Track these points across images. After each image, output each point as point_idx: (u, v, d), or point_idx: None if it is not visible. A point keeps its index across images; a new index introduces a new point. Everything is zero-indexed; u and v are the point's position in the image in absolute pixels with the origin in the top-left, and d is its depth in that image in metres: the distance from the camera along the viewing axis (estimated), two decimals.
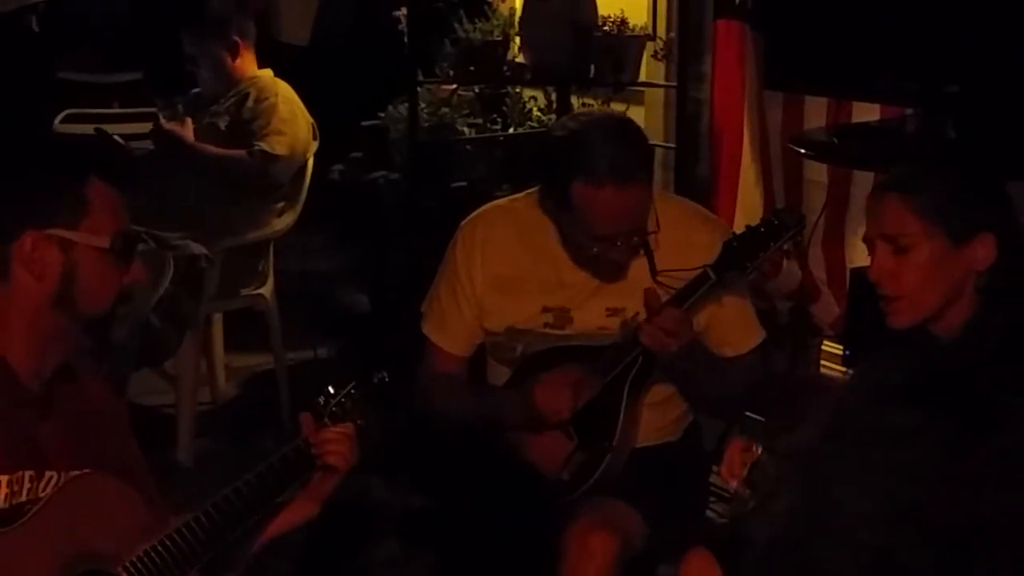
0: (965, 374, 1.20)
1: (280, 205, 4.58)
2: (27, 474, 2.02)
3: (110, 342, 2.20)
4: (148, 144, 4.66)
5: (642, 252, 2.72)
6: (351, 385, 2.29)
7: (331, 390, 2.28)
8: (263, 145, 4.36)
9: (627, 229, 2.64)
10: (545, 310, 2.80)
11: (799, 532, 1.15)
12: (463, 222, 2.91)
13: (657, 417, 2.85)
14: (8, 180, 2.05)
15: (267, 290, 4.61)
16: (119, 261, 2.07)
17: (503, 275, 2.83)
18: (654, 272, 2.71)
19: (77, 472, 2.05)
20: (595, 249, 2.67)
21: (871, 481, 1.11)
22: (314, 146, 4.56)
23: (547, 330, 2.80)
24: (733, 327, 2.81)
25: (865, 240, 2.33)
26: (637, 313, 2.73)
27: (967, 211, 2.23)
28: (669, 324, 2.60)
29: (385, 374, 2.34)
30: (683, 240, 2.76)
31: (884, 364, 1.27)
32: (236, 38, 4.50)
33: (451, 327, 2.87)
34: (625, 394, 2.72)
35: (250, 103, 4.46)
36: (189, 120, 4.44)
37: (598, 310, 2.78)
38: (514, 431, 2.75)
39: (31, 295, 2.02)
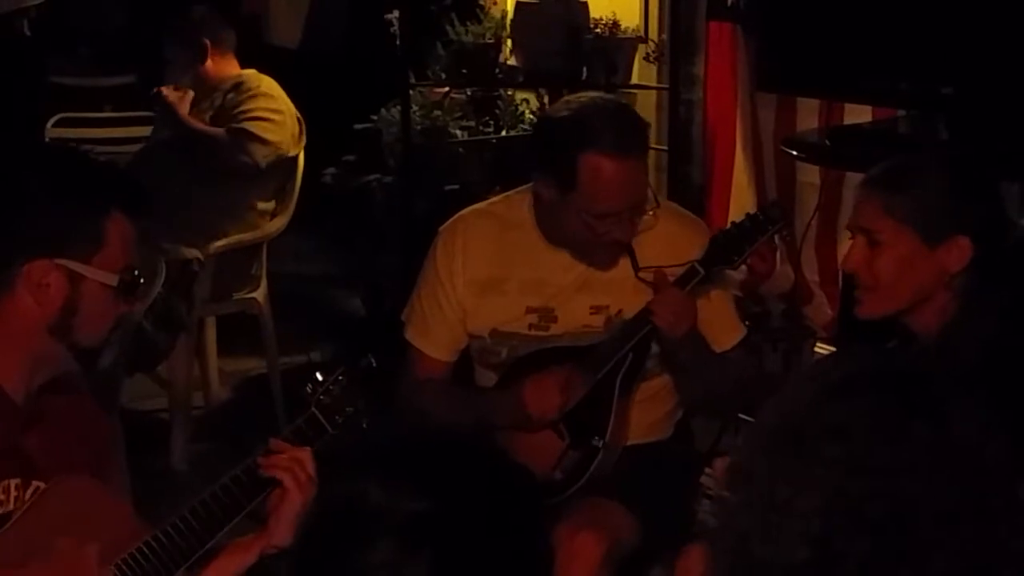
0: (907, 368, 1.22)
1: (272, 207, 4.58)
2: (13, 482, 2.02)
3: (97, 366, 2.17)
4: (139, 148, 4.68)
5: (625, 251, 2.74)
6: (339, 371, 2.28)
7: (320, 377, 2.27)
8: (242, 126, 4.35)
9: (630, 203, 2.65)
10: (529, 311, 2.80)
11: (737, 526, 1.16)
12: (441, 227, 2.92)
13: (647, 413, 2.85)
14: (32, 203, 2.02)
15: (260, 294, 4.60)
16: (121, 297, 2.06)
17: (484, 277, 2.83)
18: (636, 268, 2.73)
19: (61, 478, 2.05)
20: (599, 230, 2.67)
21: (811, 474, 1.12)
22: (302, 142, 4.55)
23: (532, 331, 2.80)
24: (717, 323, 2.83)
25: (848, 228, 2.37)
26: (621, 310, 2.75)
27: (943, 214, 2.26)
28: (677, 303, 2.64)
29: (372, 360, 2.33)
30: (664, 238, 2.77)
31: (823, 363, 1.29)
32: (207, 42, 4.51)
33: (434, 332, 2.87)
34: (616, 391, 2.73)
35: (232, 94, 4.47)
36: (191, 93, 4.44)
37: (582, 308, 2.79)
38: (504, 432, 2.76)
39: (29, 318, 2.00)
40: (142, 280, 2.10)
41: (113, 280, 2.03)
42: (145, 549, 2.03)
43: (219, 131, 4.38)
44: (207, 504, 2.10)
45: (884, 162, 2.38)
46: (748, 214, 2.76)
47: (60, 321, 2.01)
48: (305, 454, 2.13)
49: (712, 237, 2.73)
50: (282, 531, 2.07)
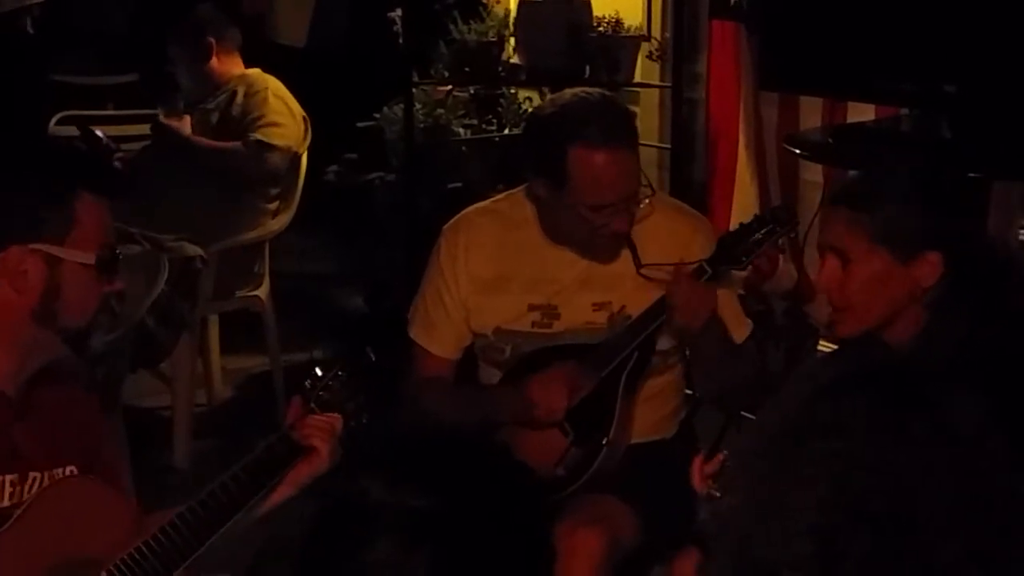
0: (903, 366, 1.22)
1: (275, 205, 4.58)
2: (8, 478, 2.01)
3: (89, 351, 2.16)
4: (142, 146, 4.68)
5: (626, 246, 2.74)
6: (338, 367, 2.28)
7: (319, 373, 2.28)
8: (259, 136, 4.37)
9: (624, 194, 2.66)
10: (532, 308, 2.81)
11: (741, 526, 1.16)
12: (445, 226, 2.93)
13: (650, 412, 2.87)
14: None
15: (263, 291, 4.61)
16: (103, 275, 2.05)
17: (488, 275, 2.84)
18: (638, 264, 2.74)
19: (61, 475, 2.04)
20: (596, 223, 2.68)
21: (810, 472, 1.13)
22: (307, 141, 4.56)
23: (535, 329, 2.81)
24: (726, 319, 2.83)
25: (818, 247, 2.36)
26: (623, 307, 2.77)
27: (914, 231, 2.25)
28: (695, 296, 2.64)
29: (371, 353, 2.33)
30: (666, 234, 2.79)
31: (821, 363, 1.29)
32: (211, 40, 4.51)
33: (438, 330, 2.88)
34: (620, 389, 2.74)
35: (239, 98, 4.47)
36: (188, 117, 4.46)
37: (585, 305, 2.80)
38: (508, 428, 2.77)
39: (11, 308, 1.99)
40: (120, 255, 2.09)
41: (90, 258, 2.02)
42: (144, 549, 2.02)
43: (235, 145, 4.39)
44: (204, 503, 2.09)
45: (850, 179, 2.37)
46: (757, 215, 2.77)
47: (43, 306, 2.00)
48: (337, 420, 2.16)
49: (720, 237, 2.75)
50: (295, 486, 2.10)
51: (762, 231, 2.71)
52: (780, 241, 2.77)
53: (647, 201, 2.72)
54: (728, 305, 2.86)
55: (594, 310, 2.79)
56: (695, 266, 2.69)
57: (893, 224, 2.25)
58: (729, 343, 2.81)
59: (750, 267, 2.79)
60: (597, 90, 2.81)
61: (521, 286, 2.82)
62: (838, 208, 2.30)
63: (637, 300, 2.74)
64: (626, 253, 2.75)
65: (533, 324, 2.81)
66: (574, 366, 2.72)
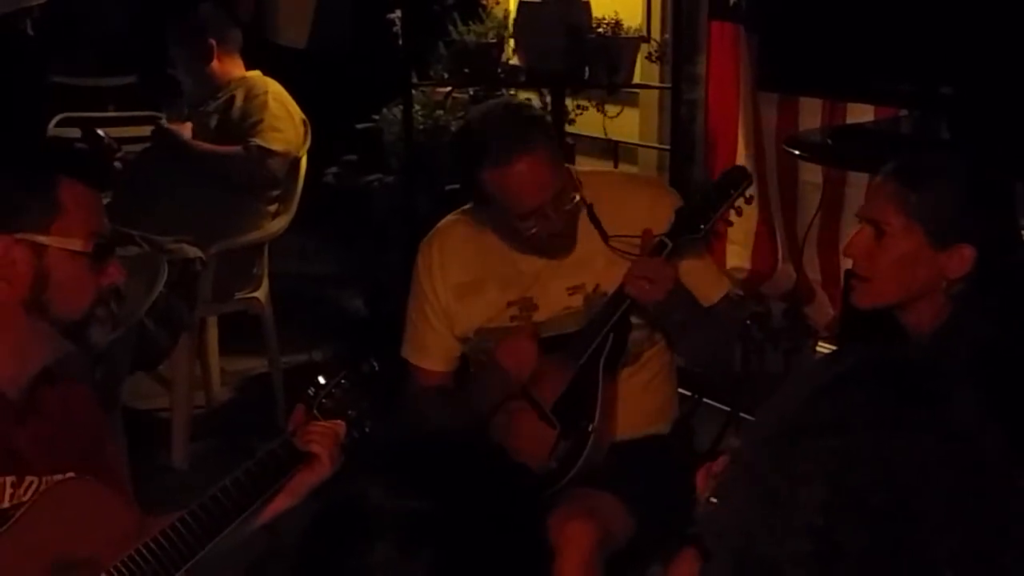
0: (904, 361, 1.22)
1: (274, 207, 4.59)
2: (8, 479, 2.01)
3: (90, 345, 2.12)
4: (142, 147, 4.68)
5: (591, 223, 2.77)
6: (341, 375, 2.28)
7: (322, 380, 2.28)
8: (258, 140, 4.37)
9: (548, 197, 2.69)
10: (510, 304, 2.85)
11: (742, 524, 1.17)
12: (421, 242, 2.97)
13: (640, 405, 2.88)
14: None
15: (262, 293, 4.61)
16: (94, 263, 2.03)
17: (464, 282, 2.89)
18: (605, 238, 2.77)
19: (60, 477, 2.03)
20: (532, 229, 2.71)
21: (808, 469, 1.13)
22: (307, 144, 4.57)
23: (515, 323, 2.85)
24: (701, 281, 2.86)
25: (858, 215, 2.37)
26: (598, 285, 2.80)
27: (954, 220, 2.25)
28: (649, 271, 2.66)
29: (375, 363, 2.33)
30: (621, 204, 2.82)
31: (820, 363, 1.29)
32: (212, 42, 4.51)
33: (428, 346, 2.93)
34: (600, 374, 2.77)
35: (239, 102, 4.48)
36: (190, 123, 4.47)
37: (559, 291, 2.83)
38: (501, 428, 2.78)
39: (2, 300, 1.98)
40: (116, 247, 2.07)
41: (80, 246, 2.00)
42: (144, 551, 2.02)
43: (235, 150, 4.39)
44: (206, 507, 2.09)
45: (905, 155, 2.38)
46: (711, 181, 2.80)
47: (33, 296, 1.98)
48: (340, 428, 2.15)
49: (677, 209, 2.76)
50: (297, 495, 2.09)
51: (718, 195, 2.72)
52: (738, 203, 2.76)
53: (576, 198, 2.73)
54: (701, 267, 2.88)
55: (570, 294, 2.83)
56: (656, 241, 2.70)
57: (936, 207, 2.25)
58: (701, 310, 2.82)
59: (746, 268, 2.80)
60: (501, 100, 2.85)
61: (497, 285, 2.86)
62: (886, 180, 2.31)
63: (610, 276, 2.77)
64: (588, 234, 2.77)
65: (512, 319, 2.85)
66: (551, 358, 2.75)
